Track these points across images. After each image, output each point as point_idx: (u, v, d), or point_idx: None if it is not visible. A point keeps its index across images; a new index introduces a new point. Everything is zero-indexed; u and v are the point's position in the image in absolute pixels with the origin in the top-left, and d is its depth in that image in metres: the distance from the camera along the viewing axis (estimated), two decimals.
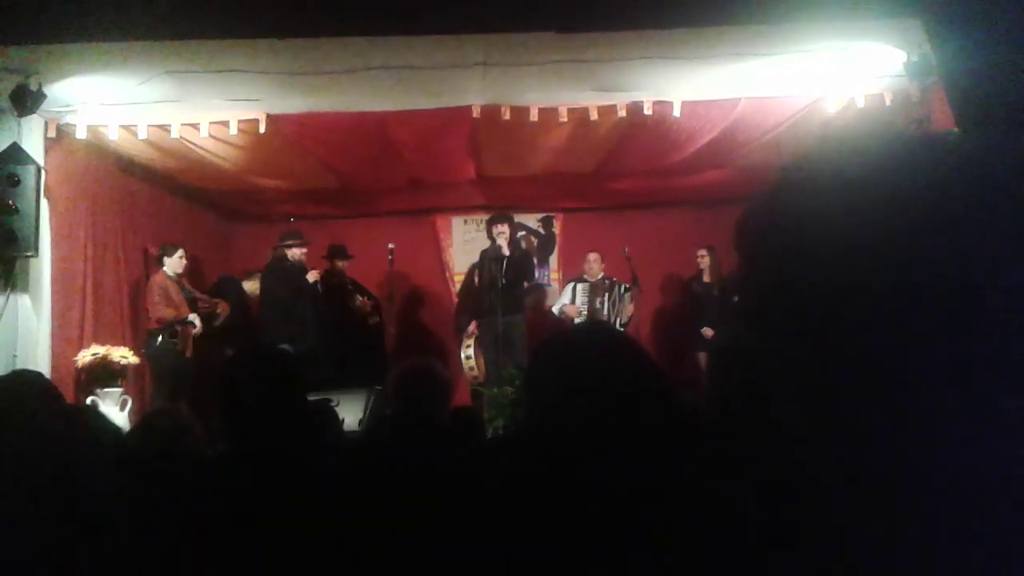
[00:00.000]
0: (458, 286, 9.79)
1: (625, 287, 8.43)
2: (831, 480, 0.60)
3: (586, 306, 8.43)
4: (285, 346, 7.36)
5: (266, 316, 8.03)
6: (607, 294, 8.38)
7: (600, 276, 8.53)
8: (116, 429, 2.71)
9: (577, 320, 8.34)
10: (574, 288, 8.66)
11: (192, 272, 8.29)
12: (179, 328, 7.20)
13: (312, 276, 8.13)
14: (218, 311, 7.71)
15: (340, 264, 8.69)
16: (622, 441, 1.48)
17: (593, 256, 8.64)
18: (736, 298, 7.84)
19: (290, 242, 8.12)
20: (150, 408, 6.41)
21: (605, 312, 8.30)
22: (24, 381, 2.67)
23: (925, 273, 0.56)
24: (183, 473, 2.51)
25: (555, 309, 8.78)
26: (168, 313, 7.15)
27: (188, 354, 7.30)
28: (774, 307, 0.63)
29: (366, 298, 8.69)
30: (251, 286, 8.47)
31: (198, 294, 7.66)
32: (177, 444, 3.02)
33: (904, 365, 0.56)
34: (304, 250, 8.20)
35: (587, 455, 1.49)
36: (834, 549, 0.59)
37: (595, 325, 7.55)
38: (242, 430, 2.28)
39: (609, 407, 1.53)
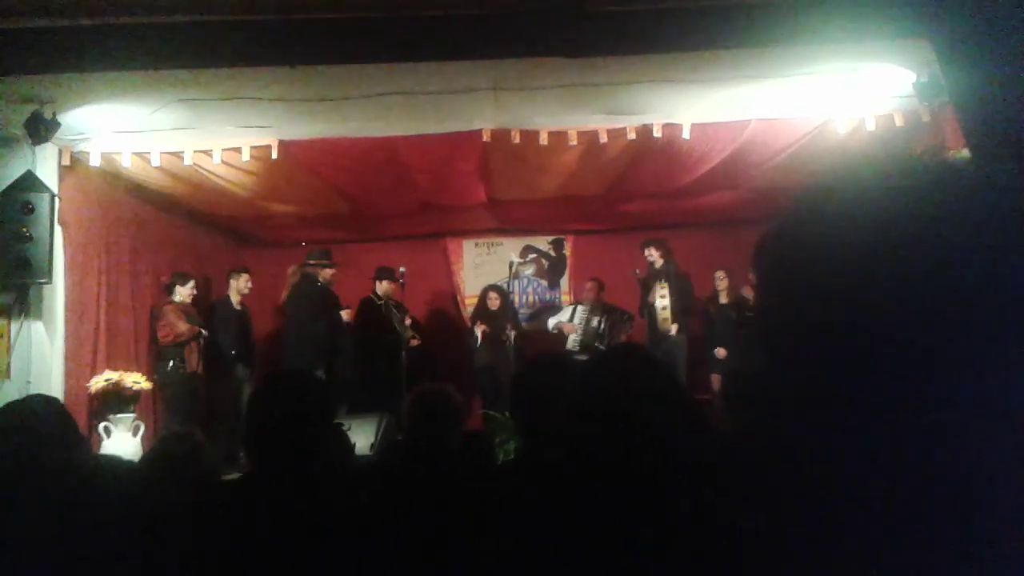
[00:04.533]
0: (469, 309, 9.80)
1: (629, 316, 8.48)
2: (840, 495, 0.60)
3: (583, 325, 8.54)
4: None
5: (291, 340, 8.02)
6: (606, 315, 8.48)
7: (601, 301, 8.68)
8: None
9: (572, 336, 8.46)
10: (574, 308, 8.79)
11: (204, 298, 8.34)
12: (187, 346, 7.27)
13: (346, 315, 8.17)
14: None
15: (388, 286, 8.61)
16: (624, 459, 1.48)
17: (590, 284, 8.84)
18: (752, 318, 7.88)
19: (315, 262, 8.15)
20: (163, 432, 6.43)
21: (600, 332, 8.39)
22: (39, 406, 2.67)
23: (939, 297, 0.56)
24: (199, 496, 2.51)
25: (550, 323, 8.84)
26: (183, 328, 7.27)
27: (200, 371, 7.36)
28: (792, 328, 0.63)
29: (408, 317, 8.64)
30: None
31: (200, 322, 7.66)
32: (191, 468, 3.02)
33: (918, 386, 0.56)
34: (332, 271, 8.22)
35: (582, 476, 1.49)
36: (849, 570, 0.59)
37: (595, 351, 7.57)
38: (269, 453, 2.28)
39: (619, 428, 1.53)
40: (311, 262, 8.20)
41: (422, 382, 3.43)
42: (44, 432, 2.48)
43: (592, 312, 8.59)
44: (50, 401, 2.83)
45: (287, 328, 8.19)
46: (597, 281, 8.83)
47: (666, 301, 8.04)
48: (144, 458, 3.28)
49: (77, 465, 2.45)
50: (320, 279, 8.13)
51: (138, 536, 2.13)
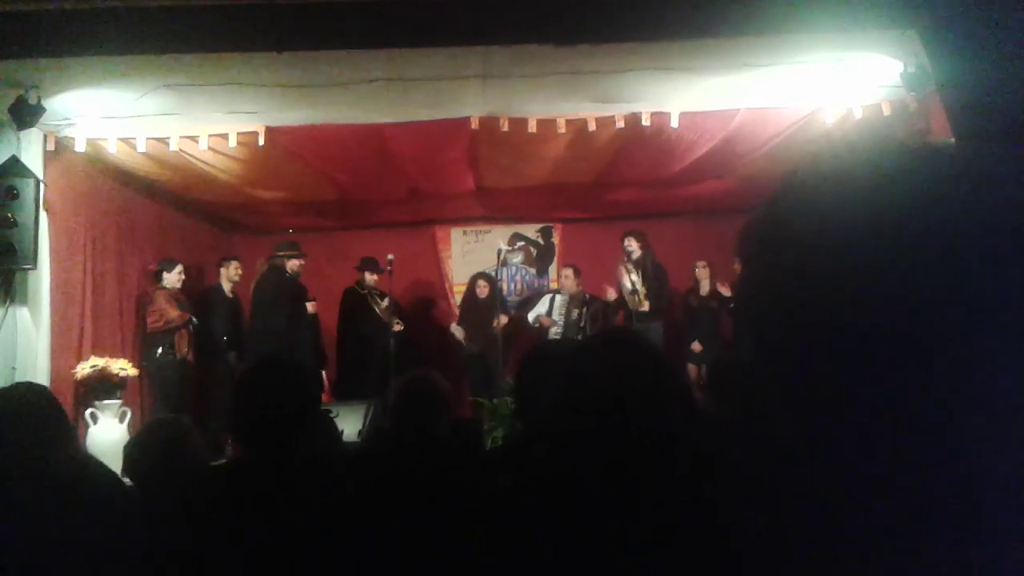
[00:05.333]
0: (458, 297, 9.80)
1: (612, 307, 8.44)
2: (830, 488, 0.60)
3: (563, 318, 8.42)
4: None
5: (258, 330, 7.97)
6: (585, 307, 8.35)
7: (578, 290, 8.53)
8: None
9: (552, 331, 8.38)
10: (552, 299, 8.68)
11: (195, 285, 8.31)
12: (177, 333, 7.25)
13: (311, 307, 8.16)
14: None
15: (371, 277, 8.64)
16: (620, 445, 1.48)
17: (566, 272, 8.69)
18: (735, 306, 7.91)
19: (284, 253, 8.13)
20: (151, 417, 6.42)
21: (582, 324, 8.28)
22: (26, 393, 2.66)
23: (925, 283, 0.56)
24: (186, 482, 2.51)
25: (530, 317, 8.79)
26: (174, 314, 7.25)
27: (190, 358, 7.34)
28: (775, 315, 0.64)
29: (386, 304, 8.64)
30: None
31: (190, 309, 7.63)
32: (178, 453, 3.02)
33: (904, 374, 0.56)
34: (301, 261, 8.21)
35: (571, 466, 1.49)
36: (836, 557, 0.60)
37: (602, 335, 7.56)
38: (257, 438, 2.28)
39: (611, 412, 1.53)
40: (279, 253, 8.17)
41: (409, 370, 3.43)
42: (32, 420, 2.48)
43: (571, 303, 8.48)
44: (38, 389, 2.82)
45: (251, 318, 8.12)
46: (573, 267, 8.73)
47: (636, 279, 8.04)
48: (131, 443, 3.26)
49: (63, 456, 2.44)
50: (288, 270, 8.11)
51: (125, 523, 2.13)
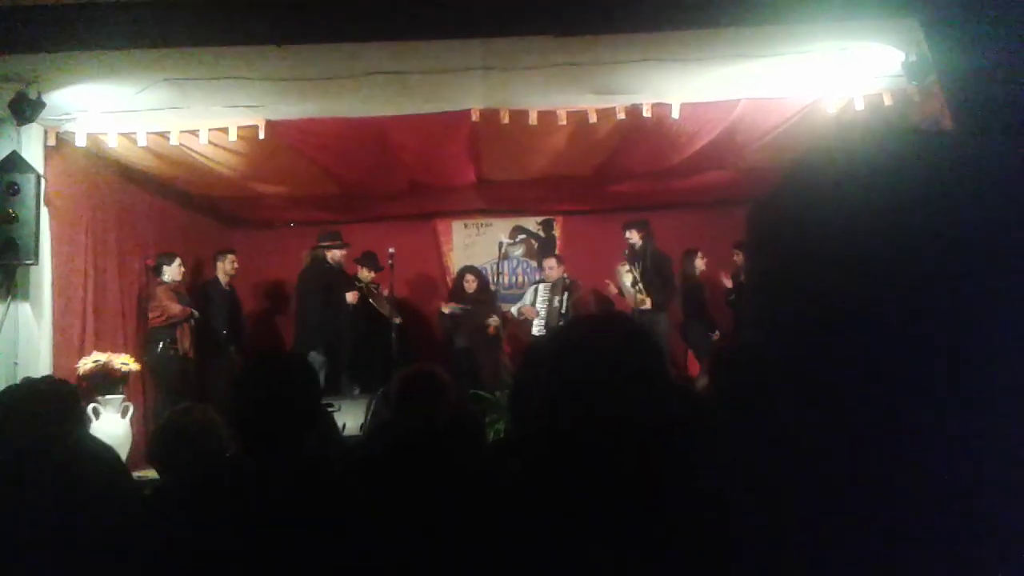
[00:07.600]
0: None
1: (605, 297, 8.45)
2: (831, 477, 0.60)
3: (545, 305, 8.40)
4: (315, 353, 7.47)
5: (303, 320, 8.07)
6: (566, 293, 8.31)
7: (561, 277, 8.45)
8: None
9: (536, 321, 8.38)
10: (535, 289, 8.69)
11: (194, 279, 8.32)
12: (179, 328, 7.26)
13: (351, 297, 8.21)
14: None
15: (368, 274, 8.68)
16: (623, 435, 1.47)
17: (549, 263, 8.63)
18: (734, 296, 7.92)
19: (325, 244, 8.21)
20: (159, 410, 6.44)
21: (562, 310, 8.24)
22: (47, 387, 2.67)
23: (927, 269, 0.56)
24: (208, 475, 2.51)
25: (514, 310, 8.79)
26: (176, 309, 7.29)
27: (190, 354, 7.36)
28: (779, 302, 0.64)
29: (387, 297, 8.69)
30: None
31: (191, 303, 7.65)
32: (206, 440, 3.01)
33: (905, 361, 0.56)
34: (344, 252, 8.28)
35: (584, 452, 1.49)
36: (835, 549, 0.59)
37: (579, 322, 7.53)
38: (257, 433, 2.28)
39: (609, 400, 1.52)
40: (320, 244, 8.31)
41: (411, 362, 3.44)
42: (52, 411, 2.48)
43: (552, 291, 8.41)
44: (57, 382, 2.82)
45: (297, 310, 8.32)
46: (556, 257, 8.68)
47: (636, 275, 8.02)
48: (160, 427, 3.25)
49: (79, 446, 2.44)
50: (329, 260, 8.19)
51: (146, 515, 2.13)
